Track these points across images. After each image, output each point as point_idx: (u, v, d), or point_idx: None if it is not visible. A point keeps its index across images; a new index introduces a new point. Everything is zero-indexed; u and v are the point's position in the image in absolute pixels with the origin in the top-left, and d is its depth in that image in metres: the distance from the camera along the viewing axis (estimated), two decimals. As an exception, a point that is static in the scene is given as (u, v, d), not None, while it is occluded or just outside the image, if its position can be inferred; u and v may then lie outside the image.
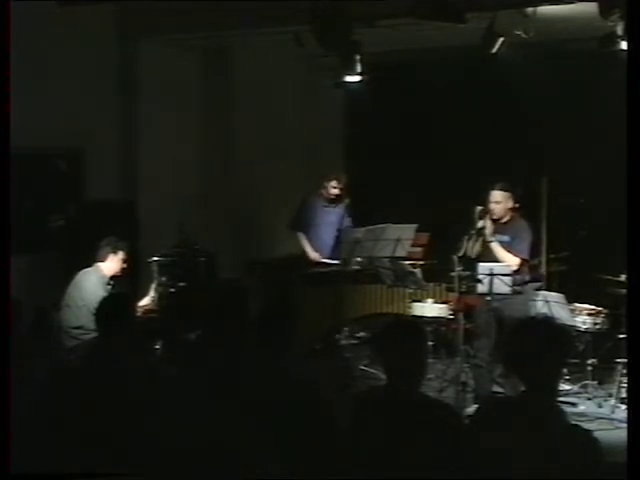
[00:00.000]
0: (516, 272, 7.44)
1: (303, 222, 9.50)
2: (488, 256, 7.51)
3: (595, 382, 7.88)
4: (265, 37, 9.31)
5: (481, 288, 7.40)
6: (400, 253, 8.59)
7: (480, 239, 7.55)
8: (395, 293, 8.65)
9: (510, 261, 7.46)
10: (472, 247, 7.57)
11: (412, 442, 3.74)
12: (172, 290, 8.39)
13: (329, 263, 9.24)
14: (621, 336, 7.48)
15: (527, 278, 7.82)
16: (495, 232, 7.53)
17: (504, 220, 7.58)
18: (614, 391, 7.49)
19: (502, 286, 7.32)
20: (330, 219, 9.49)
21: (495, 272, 7.32)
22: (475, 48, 8.08)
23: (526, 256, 7.61)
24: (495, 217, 7.54)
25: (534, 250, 8.29)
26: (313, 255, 9.40)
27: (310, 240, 9.46)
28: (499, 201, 7.55)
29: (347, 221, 9.51)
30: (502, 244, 7.52)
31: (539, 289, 8.24)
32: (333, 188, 9.41)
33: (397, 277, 8.40)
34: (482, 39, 7.98)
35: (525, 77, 8.78)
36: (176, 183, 9.72)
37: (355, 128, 11.56)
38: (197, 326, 6.05)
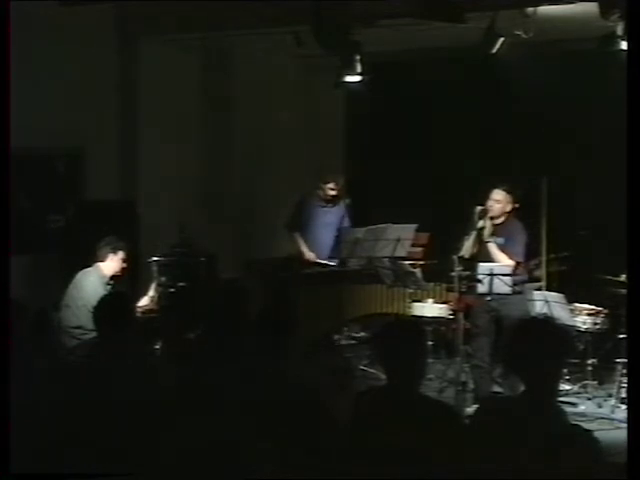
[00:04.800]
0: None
1: (299, 223, 9.47)
2: (485, 256, 7.52)
3: (595, 382, 7.90)
4: (265, 37, 9.31)
5: (481, 288, 7.41)
6: (400, 253, 8.58)
7: (479, 239, 7.56)
8: (395, 293, 8.64)
9: (505, 262, 7.46)
10: (472, 247, 7.57)
11: (412, 442, 3.74)
12: (172, 290, 8.41)
13: (326, 263, 9.23)
14: (621, 336, 7.49)
15: (525, 278, 7.83)
16: (491, 233, 7.54)
17: (499, 221, 7.59)
18: (614, 391, 7.50)
19: (502, 286, 7.32)
20: (327, 220, 9.47)
21: (495, 272, 7.32)
22: (475, 48, 8.09)
23: (520, 258, 7.60)
24: (491, 215, 7.55)
25: (534, 250, 8.29)
26: (309, 255, 9.38)
27: (307, 241, 9.44)
28: (499, 200, 7.55)
29: (345, 221, 9.50)
30: (497, 245, 7.53)
31: (538, 289, 8.24)
32: (330, 190, 9.39)
33: (397, 277, 8.40)
34: (482, 39, 7.99)
35: (525, 77, 8.77)
36: (176, 183, 9.72)
37: (355, 128, 11.55)
38: (197, 326, 6.05)
